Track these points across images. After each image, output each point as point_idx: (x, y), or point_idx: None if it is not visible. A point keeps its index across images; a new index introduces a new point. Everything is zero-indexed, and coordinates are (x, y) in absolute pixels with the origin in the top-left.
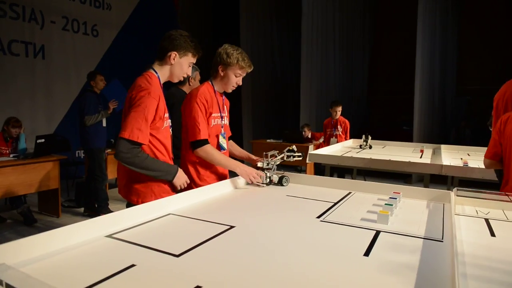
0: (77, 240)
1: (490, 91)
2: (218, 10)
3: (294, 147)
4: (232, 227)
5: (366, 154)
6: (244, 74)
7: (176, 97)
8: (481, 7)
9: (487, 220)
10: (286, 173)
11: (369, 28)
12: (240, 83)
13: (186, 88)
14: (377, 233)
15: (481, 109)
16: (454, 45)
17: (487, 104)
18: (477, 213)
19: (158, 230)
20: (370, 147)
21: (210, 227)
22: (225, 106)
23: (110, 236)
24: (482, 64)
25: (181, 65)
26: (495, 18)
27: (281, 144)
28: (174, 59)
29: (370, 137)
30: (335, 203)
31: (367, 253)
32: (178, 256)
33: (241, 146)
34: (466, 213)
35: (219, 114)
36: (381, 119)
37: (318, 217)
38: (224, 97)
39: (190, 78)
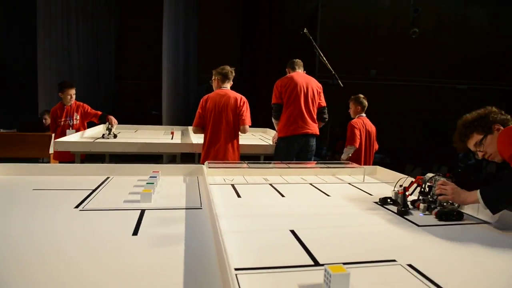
0: None
1: None
2: None
3: None
4: None
5: (118, 138)
6: None
7: None
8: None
9: (233, 186)
10: None
11: (115, 13)
12: None
13: None
14: (142, 211)
15: None
16: (194, 37)
17: None
18: (225, 181)
19: None
20: (115, 136)
21: None
22: None
23: None
24: (216, 56)
25: None
26: (227, 15)
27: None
28: None
29: (116, 124)
30: (94, 190)
31: (135, 232)
32: None
33: None
34: (216, 181)
35: None
36: (131, 104)
37: (76, 207)
38: None
39: None
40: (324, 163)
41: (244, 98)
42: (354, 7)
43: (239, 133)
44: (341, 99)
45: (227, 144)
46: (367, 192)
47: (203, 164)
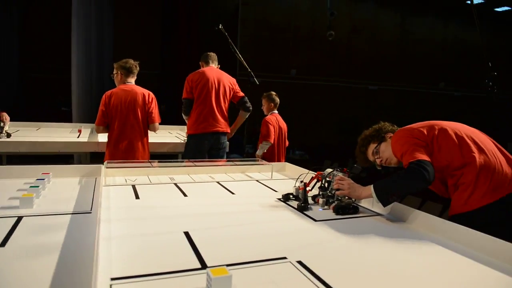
0: None
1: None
2: None
3: None
4: None
5: (12, 137)
6: None
7: None
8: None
9: (133, 186)
10: None
11: (17, 6)
12: None
13: None
14: (19, 219)
15: None
16: (110, 28)
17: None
18: (126, 181)
19: None
20: (8, 135)
21: None
22: None
23: None
24: (134, 50)
25: None
26: (146, 8)
27: None
28: None
29: (8, 121)
30: None
31: (3, 244)
32: None
33: None
34: (116, 182)
35: None
36: (37, 100)
37: None
38: None
39: None
40: (233, 161)
41: (152, 94)
42: (274, 7)
43: (150, 131)
44: (261, 97)
45: (136, 142)
46: (272, 189)
47: None
